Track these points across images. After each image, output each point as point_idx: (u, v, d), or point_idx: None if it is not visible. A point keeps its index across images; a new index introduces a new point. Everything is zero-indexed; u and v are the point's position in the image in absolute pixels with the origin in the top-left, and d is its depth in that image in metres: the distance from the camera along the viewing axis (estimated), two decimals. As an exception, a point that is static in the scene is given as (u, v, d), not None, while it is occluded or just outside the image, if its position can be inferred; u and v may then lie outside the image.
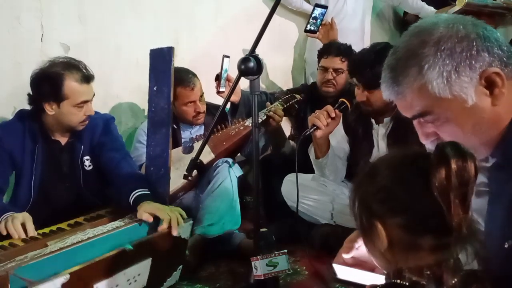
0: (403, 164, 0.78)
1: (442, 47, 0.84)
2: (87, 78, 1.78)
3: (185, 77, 2.26)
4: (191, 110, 2.32)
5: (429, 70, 0.84)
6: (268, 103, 2.41)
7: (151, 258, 1.54)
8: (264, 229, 1.63)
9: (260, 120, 2.26)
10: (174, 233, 1.58)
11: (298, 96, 2.46)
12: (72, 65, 1.77)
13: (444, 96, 0.84)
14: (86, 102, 1.79)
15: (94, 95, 1.84)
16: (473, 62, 0.83)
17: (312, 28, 2.77)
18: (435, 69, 0.84)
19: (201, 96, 2.33)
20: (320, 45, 2.78)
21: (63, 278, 1.24)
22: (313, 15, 2.73)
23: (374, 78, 1.91)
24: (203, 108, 2.34)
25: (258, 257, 1.45)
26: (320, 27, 2.79)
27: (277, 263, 1.46)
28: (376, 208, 0.77)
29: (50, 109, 1.76)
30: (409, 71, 0.86)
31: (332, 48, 2.57)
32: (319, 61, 2.63)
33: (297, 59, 3.51)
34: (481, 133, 0.87)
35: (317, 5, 2.73)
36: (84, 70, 1.78)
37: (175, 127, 2.32)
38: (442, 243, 0.72)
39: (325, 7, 2.79)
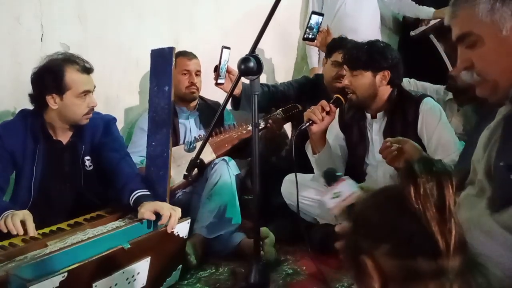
0: (374, 195, 0.77)
1: None
2: (86, 69, 1.82)
3: (186, 51, 2.52)
4: (185, 80, 2.46)
5: None
6: (273, 108, 2.45)
7: (150, 257, 1.54)
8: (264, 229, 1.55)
9: (261, 126, 2.33)
10: (169, 229, 1.60)
11: (299, 107, 2.49)
12: (71, 58, 1.82)
13: (485, 20, 0.98)
14: (88, 92, 1.81)
15: (95, 87, 1.85)
16: None
17: (310, 36, 2.81)
18: None
19: (198, 71, 2.49)
20: None
21: (61, 276, 1.25)
22: (310, 23, 2.77)
23: (358, 57, 1.98)
24: (198, 82, 2.49)
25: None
26: (318, 34, 2.80)
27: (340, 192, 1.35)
28: (360, 244, 0.74)
29: (53, 103, 1.78)
30: None
31: (345, 43, 2.48)
32: (330, 56, 2.54)
33: (298, 59, 3.51)
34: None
35: (314, 13, 2.81)
36: (82, 62, 1.81)
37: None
38: (441, 267, 0.68)
39: (321, 14, 2.83)
